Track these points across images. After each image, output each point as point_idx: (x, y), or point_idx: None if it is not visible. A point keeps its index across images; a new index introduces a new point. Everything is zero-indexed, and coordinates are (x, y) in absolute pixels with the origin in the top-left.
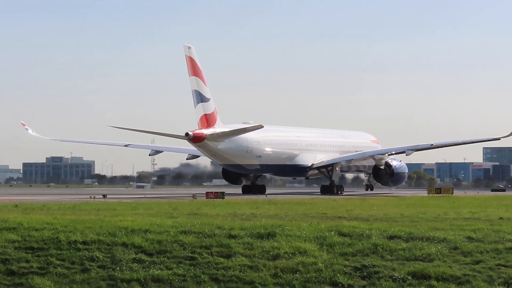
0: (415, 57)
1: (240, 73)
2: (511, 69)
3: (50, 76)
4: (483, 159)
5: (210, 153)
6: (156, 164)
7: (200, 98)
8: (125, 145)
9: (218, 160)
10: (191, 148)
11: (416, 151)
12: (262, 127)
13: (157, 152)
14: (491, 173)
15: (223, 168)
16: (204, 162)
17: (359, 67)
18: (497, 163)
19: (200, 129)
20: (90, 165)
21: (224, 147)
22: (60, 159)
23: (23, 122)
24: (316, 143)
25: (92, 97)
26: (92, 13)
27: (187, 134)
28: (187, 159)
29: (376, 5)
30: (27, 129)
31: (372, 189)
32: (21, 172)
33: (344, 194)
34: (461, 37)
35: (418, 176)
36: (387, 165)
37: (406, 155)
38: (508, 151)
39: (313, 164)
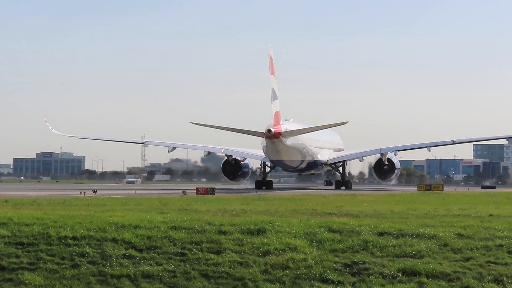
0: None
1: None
2: (488, 68)
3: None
4: (473, 156)
5: (276, 149)
6: (146, 159)
7: (274, 96)
8: (142, 142)
9: (275, 156)
10: (206, 145)
11: (434, 146)
12: (347, 122)
13: (174, 148)
14: (481, 170)
15: (224, 164)
16: (194, 158)
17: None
18: (487, 160)
19: (274, 125)
20: (80, 161)
21: (290, 144)
22: (50, 154)
23: (45, 119)
24: (324, 140)
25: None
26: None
27: (269, 130)
28: (204, 156)
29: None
30: (49, 126)
31: (331, 185)
32: (11, 167)
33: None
34: (441, 35)
35: (408, 172)
36: (390, 161)
37: (429, 151)
38: (498, 148)
39: (327, 160)
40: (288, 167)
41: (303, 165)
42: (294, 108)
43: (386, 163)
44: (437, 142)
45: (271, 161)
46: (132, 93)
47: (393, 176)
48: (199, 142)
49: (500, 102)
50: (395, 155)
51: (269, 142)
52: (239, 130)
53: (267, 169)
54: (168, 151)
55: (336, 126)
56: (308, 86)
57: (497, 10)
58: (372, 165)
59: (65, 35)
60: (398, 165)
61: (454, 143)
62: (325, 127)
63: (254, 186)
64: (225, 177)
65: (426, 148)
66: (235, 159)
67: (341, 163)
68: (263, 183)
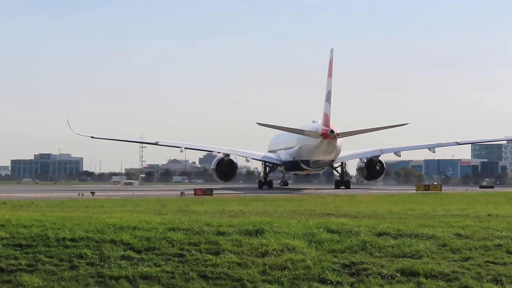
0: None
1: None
2: (488, 68)
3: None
4: (472, 156)
5: (327, 149)
6: (144, 160)
7: (328, 98)
8: (155, 142)
9: (319, 156)
10: (211, 146)
11: (436, 147)
12: (408, 123)
13: (187, 148)
14: (479, 170)
15: (219, 163)
16: (192, 158)
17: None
18: (486, 160)
19: (328, 126)
20: (78, 162)
21: (337, 144)
22: (48, 156)
23: (67, 119)
24: None
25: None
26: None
27: (332, 131)
28: (214, 155)
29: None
30: (69, 126)
31: (287, 185)
32: (9, 168)
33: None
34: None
35: (406, 172)
36: (380, 162)
37: (433, 153)
38: (496, 147)
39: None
40: (318, 166)
41: (322, 164)
42: (292, 108)
43: (378, 164)
44: (440, 143)
45: (305, 161)
46: (133, 93)
47: (381, 177)
48: (195, 143)
49: (500, 102)
50: (399, 155)
51: (323, 142)
52: (297, 130)
53: (268, 169)
54: (181, 151)
55: (396, 127)
56: (306, 86)
57: (497, 8)
58: (364, 165)
59: (63, 36)
60: (385, 165)
61: (458, 144)
62: (385, 128)
63: (247, 186)
64: (218, 177)
65: (424, 148)
66: (230, 159)
67: (340, 163)
68: (264, 183)
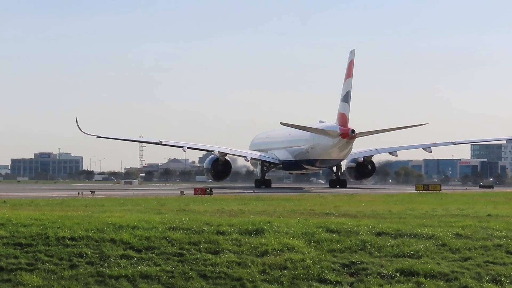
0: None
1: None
2: (487, 68)
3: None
4: (471, 156)
5: (343, 148)
6: (144, 160)
7: (346, 98)
8: (159, 142)
9: (334, 155)
10: (216, 145)
11: (432, 147)
12: (428, 123)
13: (189, 148)
14: (479, 170)
15: (214, 162)
16: (192, 158)
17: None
18: (485, 160)
19: (345, 126)
20: (78, 161)
21: (352, 143)
22: (48, 155)
23: (76, 119)
24: None
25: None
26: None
27: (353, 131)
28: (215, 155)
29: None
30: (77, 125)
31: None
32: (9, 168)
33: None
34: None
35: (406, 172)
36: (372, 162)
37: (430, 152)
38: (496, 147)
39: None
40: (326, 166)
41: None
42: (292, 108)
43: (370, 164)
44: (435, 143)
45: (311, 160)
46: (133, 93)
47: (371, 176)
48: (195, 143)
49: (498, 102)
50: (396, 155)
51: (342, 142)
52: (316, 130)
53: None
54: (183, 151)
55: (415, 127)
56: (306, 87)
57: (497, 8)
58: (354, 164)
59: (63, 36)
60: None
61: (453, 144)
62: (402, 128)
63: (247, 185)
64: (213, 176)
65: (419, 148)
66: (226, 159)
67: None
68: (262, 182)
